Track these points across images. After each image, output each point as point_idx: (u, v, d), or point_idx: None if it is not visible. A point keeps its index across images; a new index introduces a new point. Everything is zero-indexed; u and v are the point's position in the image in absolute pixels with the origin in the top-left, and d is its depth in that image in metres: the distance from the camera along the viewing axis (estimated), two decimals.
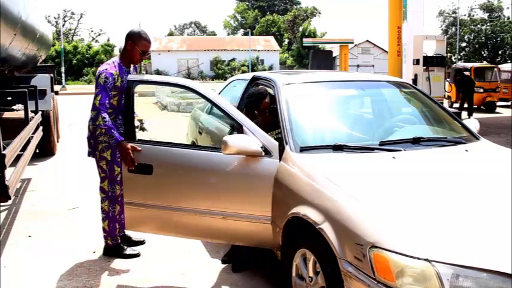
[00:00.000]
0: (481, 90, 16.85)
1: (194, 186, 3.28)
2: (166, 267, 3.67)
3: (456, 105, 17.09)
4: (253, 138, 3.08)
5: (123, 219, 3.66)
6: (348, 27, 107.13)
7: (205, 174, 3.24)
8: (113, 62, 3.71)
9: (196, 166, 3.26)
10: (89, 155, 3.85)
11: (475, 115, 13.90)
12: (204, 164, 3.24)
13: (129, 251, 3.90)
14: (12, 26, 4.92)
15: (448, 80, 17.90)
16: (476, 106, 16.31)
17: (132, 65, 3.90)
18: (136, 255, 3.86)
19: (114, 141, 3.44)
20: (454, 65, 21.04)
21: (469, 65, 18.97)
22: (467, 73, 16.03)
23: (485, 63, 29.57)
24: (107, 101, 3.55)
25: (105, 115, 3.50)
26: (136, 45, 3.69)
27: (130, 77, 3.68)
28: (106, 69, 3.61)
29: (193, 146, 4.74)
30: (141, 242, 4.10)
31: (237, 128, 3.27)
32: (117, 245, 3.87)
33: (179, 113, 15.31)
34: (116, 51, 46.77)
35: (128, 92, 3.57)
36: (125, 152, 3.32)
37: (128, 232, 4.03)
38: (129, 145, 3.33)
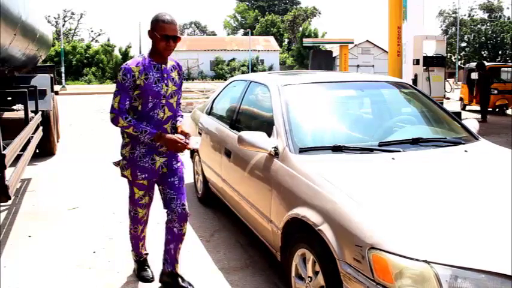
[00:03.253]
0: (495, 91, 15.51)
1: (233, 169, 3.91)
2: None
3: (470, 107, 16.37)
4: (265, 137, 3.23)
5: (143, 239, 3.53)
6: (348, 27, 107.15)
7: (240, 161, 3.74)
8: (140, 56, 3.08)
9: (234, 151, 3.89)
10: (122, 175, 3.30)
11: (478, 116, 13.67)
12: (238, 150, 3.72)
13: (143, 273, 3.47)
14: (12, 26, 4.93)
15: (448, 80, 17.78)
16: (491, 108, 15.17)
17: (169, 60, 3.17)
18: (148, 281, 3.43)
19: (149, 135, 2.96)
20: (467, 65, 20.11)
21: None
22: (480, 72, 15.00)
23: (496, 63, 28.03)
24: (127, 103, 2.98)
25: (125, 115, 2.96)
26: (155, 31, 2.98)
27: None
28: (126, 64, 3.01)
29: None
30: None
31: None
32: (138, 261, 3.55)
33: None
34: (116, 52, 46.73)
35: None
36: (171, 140, 3.00)
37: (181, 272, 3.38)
38: (173, 135, 3.03)
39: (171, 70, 3.14)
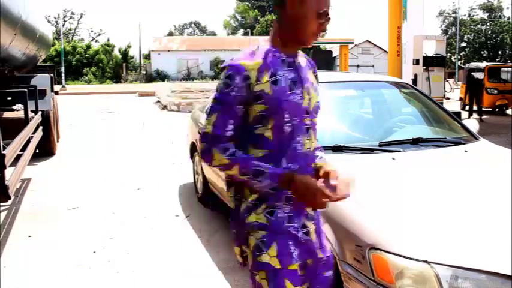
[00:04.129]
0: (495, 91, 15.50)
1: None
2: (167, 267, 3.67)
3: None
4: None
5: None
6: (348, 27, 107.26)
7: None
8: (257, 48, 1.76)
9: None
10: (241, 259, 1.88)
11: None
12: None
13: None
14: (12, 26, 4.92)
15: (448, 80, 17.76)
16: (491, 108, 15.29)
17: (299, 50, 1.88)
18: None
19: (271, 178, 1.65)
20: (467, 65, 20.13)
21: (483, 64, 17.56)
22: (475, 74, 14.78)
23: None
24: (230, 127, 1.68)
25: (226, 145, 1.68)
26: (304, 4, 1.70)
27: None
28: (236, 60, 1.72)
29: None
30: None
31: None
32: None
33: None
34: (116, 51, 46.70)
35: None
36: (311, 188, 1.65)
37: None
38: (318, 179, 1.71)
39: (307, 69, 1.91)
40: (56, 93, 9.70)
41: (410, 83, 11.01)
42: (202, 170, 5.05)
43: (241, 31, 66.90)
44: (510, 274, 1.93)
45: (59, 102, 10.28)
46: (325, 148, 3.07)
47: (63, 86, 29.63)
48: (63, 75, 32.14)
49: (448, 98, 17.42)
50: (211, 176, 4.66)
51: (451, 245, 2.07)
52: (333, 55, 27.32)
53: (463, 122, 3.88)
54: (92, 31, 58.60)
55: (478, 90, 14.31)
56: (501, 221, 2.26)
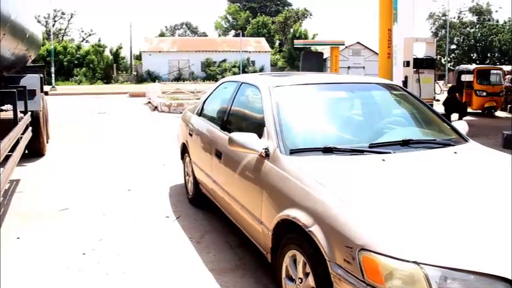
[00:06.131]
0: (484, 94, 15.56)
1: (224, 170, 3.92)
2: (157, 268, 3.66)
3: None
4: (256, 138, 3.22)
5: None
6: (339, 29, 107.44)
7: (231, 162, 3.72)
8: None
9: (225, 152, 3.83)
10: None
11: (469, 118, 13.82)
12: (228, 151, 3.64)
13: None
14: (1, 26, 4.88)
15: (438, 82, 17.86)
16: (480, 110, 15.40)
17: None
18: None
19: None
20: (456, 67, 20.12)
21: (472, 66, 17.66)
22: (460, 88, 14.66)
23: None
24: None
25: None
26: None
27: None
28: None
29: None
30: None
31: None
32: None
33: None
34: (107, 52, 46.42)
35: None
36: None
37: None
38: None
39: None
40: (46, 93, 9.63)
41: (401, 84, 11.08)
42: (192, 171, 5.04)
43: (233, 32, 66.91)
44: (498, 275, 1.95)
45: (49, 102, 10.22)
46: (315, 150, 3.09)
47: (53, 87, 29.45)
48: (53, 75, 31.91)
49: (438, 100, 17.54)
50: (202, 177, 4.65)
51: (441, 246, 2.08)
52: (324, 57, 27.43)
53: (453, 123, 3.91)
54: (82, 31, 57.92)
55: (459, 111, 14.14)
56: (490, 222, 2.27)
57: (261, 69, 45.36)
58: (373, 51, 41.40)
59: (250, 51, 46.97)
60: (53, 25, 50.00)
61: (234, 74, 40.84)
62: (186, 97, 19.84)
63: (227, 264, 3.72)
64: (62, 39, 53.29)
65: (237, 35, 54.49)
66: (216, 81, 9.69)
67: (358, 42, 43.76)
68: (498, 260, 2.02)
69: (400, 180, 2.78)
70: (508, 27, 50.69)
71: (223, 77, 34.21)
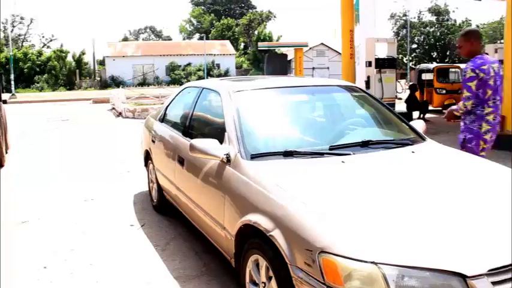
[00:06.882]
0: (444, 91, 15.90)
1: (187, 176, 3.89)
2: (126, 277, 3.61)
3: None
4: (216, 144, 3.22)
5: None
6: (304, 30, 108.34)
7: (193, 168, 3.72)
8: None
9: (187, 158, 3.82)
10: None
11: (430, 115, 14.16)
12: (191, 157, 3.63)
13: None
14: None
15: (399, 81, 18.21)
16: (440, 108, 15.42)
17: None
18: None
19: None
20: (417, 66, 20.56)
21: (432, 65, 18.02)
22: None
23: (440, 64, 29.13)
24: None
25: None
26: None
27: None
28: None
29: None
30: None
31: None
32: None
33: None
34: (70, 58, 45.34)
35: None
36: None
37: None
38: None
39: None
40: (5, 102, 9.38)
41: (364, 84, 11.26)
42: (156, 178, 4.99)
43: (197, 35, 66.64)
44: (452, 270, 2.01)
45: (8, 111, 9.93)
46: (276, 154, 3.11)
47: (13, 94, 28.62)
48: (12, 83, 31.01)
49: (400, 99, 17.89)
50: (166, 184, 4.61)
51: (397, 245, 2.13)
52: (289, 58, 27.59)
53: (411, 123, 4.00)
54: (43, 37, 56.70)
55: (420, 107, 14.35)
56: (445, 219, 2.34)
57: (226, 72, 45.32)
58: (337, 51, 41.90)
59: (215, 54, 46.86)
60: (12, 31, 48.73)
61: (199, 77, 40.64)
62: (150, 102, 19.62)
63: (193, 271, 3.70)
64: (22, 45, 51.94)
65: (201, 38, 54.30)
66: (181, 85, 9.63)
67: (322, 43, 44.19)
68: (453, 256, 2.07)
69: (358, 181, 2.82)
70: (464, 27, 52.22)
71: (188, 80, 33.99)
